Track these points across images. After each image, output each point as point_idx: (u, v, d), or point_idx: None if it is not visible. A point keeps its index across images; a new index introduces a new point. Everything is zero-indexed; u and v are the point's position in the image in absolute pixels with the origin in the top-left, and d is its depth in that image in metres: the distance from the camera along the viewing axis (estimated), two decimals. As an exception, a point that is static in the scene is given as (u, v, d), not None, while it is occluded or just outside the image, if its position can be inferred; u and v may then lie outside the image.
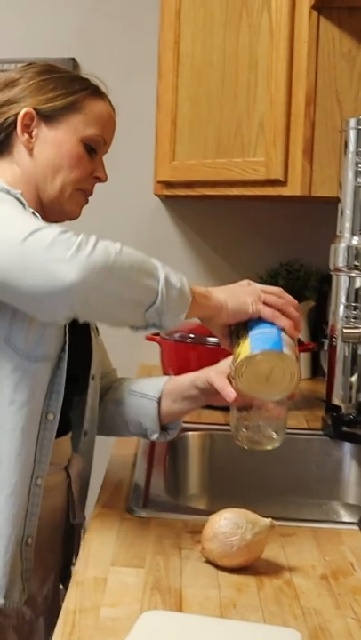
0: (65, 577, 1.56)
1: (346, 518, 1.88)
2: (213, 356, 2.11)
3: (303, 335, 2.56)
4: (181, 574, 1.18)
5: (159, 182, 2.41)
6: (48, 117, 1.44)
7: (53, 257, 1.16)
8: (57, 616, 1.52)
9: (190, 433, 1.93)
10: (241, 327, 1.33)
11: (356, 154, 1.91)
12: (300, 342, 2.32)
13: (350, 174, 1.92)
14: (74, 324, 1.36)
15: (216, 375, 1.45)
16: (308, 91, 2.12)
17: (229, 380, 1.39)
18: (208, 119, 2.30)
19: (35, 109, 1.43)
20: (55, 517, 1.49)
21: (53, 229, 1.19)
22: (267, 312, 1.31)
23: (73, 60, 2.61)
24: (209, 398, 1.52)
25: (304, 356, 2.55)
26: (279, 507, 1.90)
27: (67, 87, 1.45)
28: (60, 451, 1.46)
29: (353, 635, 1.04)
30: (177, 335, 2.25)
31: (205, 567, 1.21)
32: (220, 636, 0.99)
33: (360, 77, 2.14)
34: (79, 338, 1.47)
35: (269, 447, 1.42)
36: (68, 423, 1.50)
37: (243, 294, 1.32)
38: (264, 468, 1.95)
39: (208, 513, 1.37)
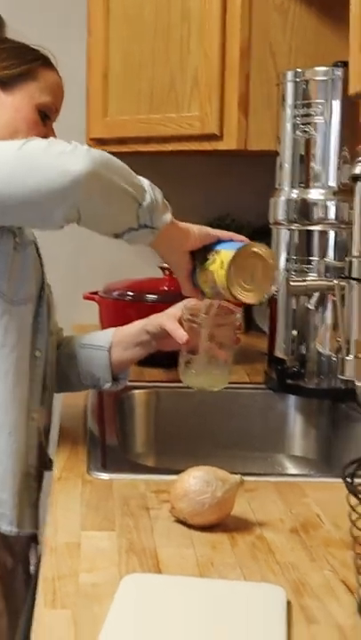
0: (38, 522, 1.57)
1: (292, 470, 1.88)
2: (152, 313, 2.10)
3: (237, 290, 2.54)
4: (153, 535, 1.15)
5: (91, 139, 2.35)
6: (5, 84, 1.47)
7: (56, 152, 1.22)
8: (26, 566, 1.55)
9: (136, 391, 1.90)
10: (204, 252, 1.37)
11: (294, 106, 1.88)
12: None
13: (288, 127, 1.89)
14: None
15: (168, 318, 1.52)
16: (243, 44, 2.08)
17: (181, 324, 1.49)
18: (140, 74, 2.24)
19: None
20: (29, 461, 1.48)
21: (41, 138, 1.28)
22: (227, 233, 1.39)
23: (-3, 14, 2.51)
24: (160, 343, 1.57)
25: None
26: (225, 461, 1.87)
27: (20, 57, 1.49)
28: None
29: (333, 587, 1.03)
30: (115, 293, 2.21)
31: (176, 526, 1.18)
32: (207, 597, 0.97)
33: (293, 30, 2.11)
34: None
35: (215, 389, 1.51)
36: None
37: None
38: (209, 423, 1.94)
39: (169, 472, 1.36)
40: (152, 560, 1.08)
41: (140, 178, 1.30)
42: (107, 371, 1.59)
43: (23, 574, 1.53)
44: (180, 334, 1.47)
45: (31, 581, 1.47)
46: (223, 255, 1.33)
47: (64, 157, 1.22)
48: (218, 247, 1.36)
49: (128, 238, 1.30)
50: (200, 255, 1.38)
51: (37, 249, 1.51)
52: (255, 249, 1.33)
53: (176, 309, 1.52)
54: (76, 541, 1.13)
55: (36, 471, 1.51)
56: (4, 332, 1.38)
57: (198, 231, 1.37)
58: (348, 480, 0.97)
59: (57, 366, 1.62)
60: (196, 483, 1.18)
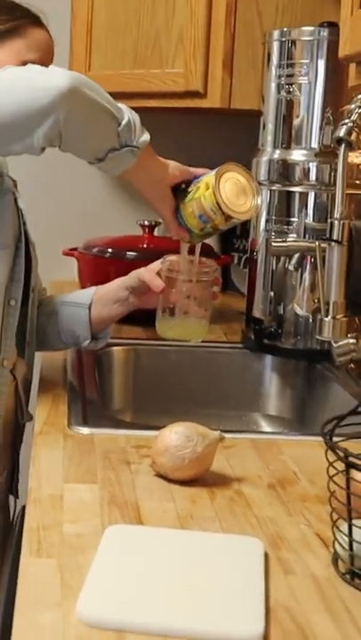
0: (14, 475, 1.61)
1: (267, 429, 1.92)
2: (131, 270, 2.12)
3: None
4: (135, 488, 1.19)
5: (73, 93, 2.35)
6: None
7: (36, 72, 1.27)
8: (8, 511, 1.58)
9: (115, 348, 1.93)
10: (184, 189, 1.43)
11: (279, 66, 1.90)
12: (215, 255, 2.34)
13: (273, 87, 1.91)
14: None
15: (145, 270, 1.57)
16: (229, 2, 2.10)
17: (159, 275, 1.53)
18: (125, 29, 2.25)
19: None
20: (5, 417, 1.52)
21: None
22: (201, 169, 1.45)
23: None
24: (139, 300, 1.61)
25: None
26: (202, 419, 1.90)
27: (9, 13, 1.50)
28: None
29: (309, 541, 1.07)
30: (95, 250, 2.23)
31: (157, 480, 1.22)
32: (188, 547, 1.01)
33: (280, -12, 2.12)
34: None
35: (192, 341, 1.57)
36: None
37: None
38: (186, 381, 1.98)
39: (149, 428, 1.40)
40: (134, 512, 1.12)
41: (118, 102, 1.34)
42: (86, 328, 1.62)
43: (2, 522, 1.57)
44: (158, 283, 1.52)
45: (12, 531, 1.51)
46: (205, 180, 1.40)
47: (44, 76, 1.26)
48: (197, 180, 1.42)
49: (110, 162, 1.33)
50: (181, 193, 1.43)
51: (16, 200, 1.53)
52: (231, 166, 1.40)
53: (155, 264, 1.56)
54: (59, 493, 1.16)
55: (8, 418, 1.53)
56: None
57: (176, 166, 1.42)
58: (328, 437, 1.00)
59: (38, 324, 1.65)
60: (178, 438, 1.21)
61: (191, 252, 1.50)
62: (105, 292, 1.63)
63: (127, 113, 1.32)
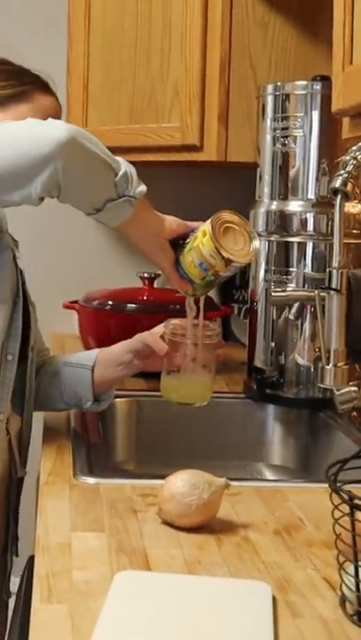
0: (9, 530, 1.64)
1: (271, 478, 1.95)
2: (133, 323, 2.17)
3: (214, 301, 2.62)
4: (142, 536, 1.22)
5: (71, 149, 2.42)
6: None
7: (34, 123, 1.34)
8: (4, 569, 1.63)
9: (117, 400, 1.96)
10: (182, 242, 1.48)
11: (274, 119, 1.96)
12: (215, 307, 2.39)
13: (268, 139, 1.98)
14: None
15: (149, 334, 1.62)
16: (223, 56, 2.16)
17: (162, 339, 1.57)
18: (121, 85, 2.32)
19: None
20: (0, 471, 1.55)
21: None
22: (198, 223, 1.48)
23: (-24, 23, 2.58)
24: (143, 363, 1.64)
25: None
26: (205, 470, 1.94)
27: (17, 78, 1.58)
28: None
29: (316, 584, 1.10)
30: (95, 302, 2.28)
31: (164, 528, 1.25)
32: (197, 592, 1.04)
33: (273, 43, 2.20)
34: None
35: (198, 404, 1.59)
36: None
37: None
38: (189, 432, 2.01)
39: (154, 477, 1.43)
40: (142, 559, 1.15)
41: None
42: (89, 389, 1.65)
43: None
44: (161, 346, 1.56)
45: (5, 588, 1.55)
46: (202, 228, 1.45)
47: (43, 127, 1.32)
48: (194, 232, 1.47)
49: (107, 212, 1.37)
50: (179, 246, 1.48)
51: (15, 257, 1.57)
52: (225, 213, 1.45)
53: (159, 328, 1.61)
54: (67, 541, 1.19)
55: (2, 472, 1.56)
56: None
57: (173, 220, 1.48)
58: (332, 480, 1.04)
59: (40, 385, 1.69)
60: (184, 485, 1.25)
61: (196, 315, 1.55)
62: (109, 354, 1.67)
63: (124, 165, 1.38)
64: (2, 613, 1.66)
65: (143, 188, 1.40)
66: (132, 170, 1.39)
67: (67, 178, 1.31)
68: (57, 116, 1.58)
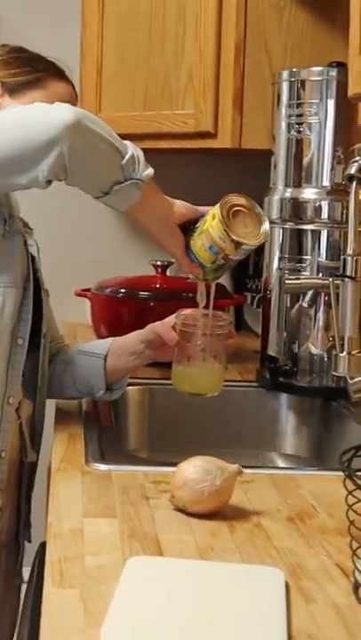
0: (21, 514, 1.66)
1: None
2: (145, 311, 2.18)
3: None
4: (154, 522, 1.23)
5: (84, 135, 2.42)
6: (12, 90, 1.58)
7: (41, 107, 1.35)
8: (15, 552, 1.64)
9: (129, 388, 1.97)
10: (192, 227, 1.49)
11: (289, 106, 1.96)
12: (228, 295, 2.39)
13: (283, 126, 1.98)
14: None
15: (160, 324, 1.62)
16: (238, 41, 2.16)
17: (173, 329, 1.55)
18: (135, 70, 2.32)
19: (1, 82, 1.58)
20: (11, 455, 1.56)
21: None
22: (207, 207, 1.49)
23: (-11, 8, 2.58)
24: (155, 353, 1.65)
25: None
26: (218, 458, 1.97)
27: (32, 65, 1.61)
28: None
29: (329, 570, 1.11)
30: (108, 290, 2.28)
31: (176, 514, 1.26)
32: (209, 578, 1.05)
33: (288, 28, 2.20)
34: (33, 299, 1.57)
35: (209, 395, 1.59)
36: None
37: None
38: (202, 421, 2.01)
39: (166, 464, 1.44)
40: (154, 545, 1.16)
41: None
42: (101, 378, 1.67)
43: (2, 563, 1.62)
44: (172, 336, 1.57)
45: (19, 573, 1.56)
46: (211, 211, 1.46)
47: (49, 110, 1.35)
48: (203, 216, 1.48)
49: (115, 195, 1.38)
50: (189, 230, 1.49)
51: (25, 242, 1.58)
52: (235, 196, 1.45)
53: (170, 318, 1.62)
54: (79, 527, 1.20)
55: (13, 456, 1.58)
56: None
57: (182, 204, 1.49)
58: (345, 465, 1.05)
59: (54, 373, 1.70)
60: (196, 471, 1.26)
61: (207, 305, 1.55)
62: (121, 343, 1.69)
63: (131, 148, 1.39)
64: (14, 599, 1.68)
65: (150, 170, 1.41)
66: (139, 153, 1.40)
67: (73, 160, 1.33)
68: (72, 103, 1.57)
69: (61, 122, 1.30)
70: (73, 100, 1.63)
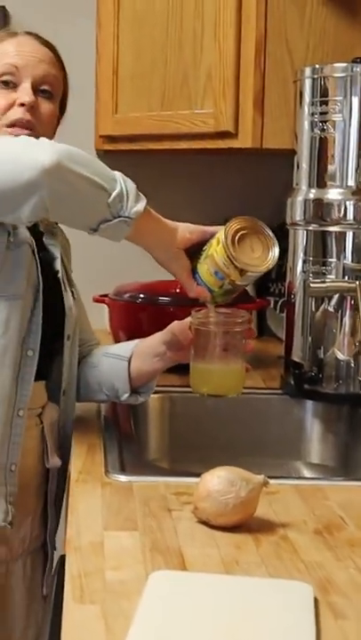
0: (44, 522, 1.67)
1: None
2: (164, 316, 2.15)
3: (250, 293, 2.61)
4: (177, 535, 1.22)
5: (101, 136, 2.42)
6: None
7: (22, 146, 1.34)
8: (42, 562, 1.65)
9: (150, 396, 1.96)
10: (198, 250, 1.47)
11: (312, 104, 1.95)
12: (250, 299, 2.38)
13: (306, 125, 1.96)
14: (45, 273, 1.55)
15: (177, 323, 1.61)
16: (258, 39, 2.16)
17: (190, 329, 1.55)
18: (152, 70, 2.32)
19: None
20: (28, 460, 1.57)
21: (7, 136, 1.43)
22: (216, 227, 1.47)
23: (2, 8, 2.57)
24: (176, 354, 1.63)
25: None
26: (240, 468, 1.96)
27: None
28: (33, 395, 1.55)
29: (359, 585, 1.09)
30: (126, 296, 2.28)
31: (199, 527, 1.25)
32: (235, 593, 1.04)
33: (310, 25, 2.18)
34: (53, 299, 1.58)
35: (229, 395, 1.56)
36: (40, 371, 1.56)
37: None
38: (224, 429, 2.00)
39: (188, 474, 1.43)
40: (177, 559, 1.14)
41: (112, 171, 1.39)
42: (125, 381, 1.66)
43: (27, 573, 1.63)
44: (186, 336, 1.56)
45: (49, 581, 1.56)
46: (217, 236, 1.43)
47: (29, 149, 1.32)
48: (211, 239, 1.46)
49: (104, 232, 1.38)
50: (195, 254, 1.47)
51: (34, 251, 1.56)
52: (240, 219, 1.43)
53: (188, 318, 1.59)
54: (99, 540, 1.19)
55: (32, 462, 1.59)
56: None
57: (187, 227, 1.46)
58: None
59: (81, 376, 1.70)
60: (220, 482, 1.24)
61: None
62: (145, 345, 1.68)
63: (120, 182, 1.36)
64: (41, 611, 1.67)
65: (141, 205, 1.38)
66: (129, 187, 1.37)
67: (54, 203, 1.33)
68: (20, 49, 1.57)
69: (40, 165, 1.29)
70: (23, 45, 1.58)
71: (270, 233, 1.45)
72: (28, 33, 1.61)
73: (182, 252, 1.47)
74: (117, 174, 1.38)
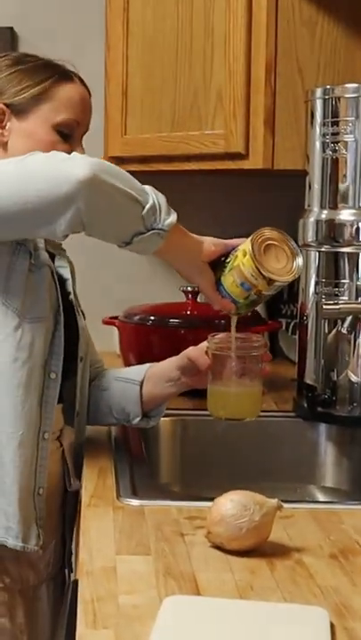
0: (65, 545, 1.69)
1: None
2: (176, 339, 2.17)
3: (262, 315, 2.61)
4: (190, 560, 1.22)
5: (110, 157, 2.43)
6: (19, 111, 1.56)
7: (55, 161, 1.37)
8: (61, 585, 1.66)
9: (161, 419, 1.96)
10: (222, 262, 1.51)
11: (324, 125, 1.96)
12: (262, 321, 2.39)
13: (318, 146, 1.97)
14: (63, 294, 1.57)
15: (193, 349, 1.62)
16: (268, 59, 2.17)
17: (207, 354, 1.58)
18: (162, 91, 2.34)
19: (5, 104, 1.56)
20: (51, 484, 1.58)
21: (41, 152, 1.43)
22: (238, 240, 1.52)
23: (10, 29, 2.60)
24: (191, 380, 1.65)
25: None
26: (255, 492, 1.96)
27: (33, 77, 1.57)
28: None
29: (376, 610, 1.09)
30: (136, 318, 2.28)
31: (213, 552, 1.25)
32: (250, 618, 1.04)
33: (321, 45, 2.20)
34: (67, 321, 1.59)
35: (247, 419, 1.59)
36: (59, 394, 1.58)
37: None
38: (236, 453, 2.01)
39: (201, 499, 1.43)
40: (190, 584, 1.15)
41: (142, 185, 1.42)
42: (137, 405, 1.68)
43: (50, 597, 1.63)
44: (203, 361, 1.58)
45: (64, 605, 1.56)
46: (242, 247, 1.47)
47: (63, 165, 1.36)
48: (234, 250, 1.49)
49: (137, 245, 1.41)
50: (219, 265, 1.51)
51: (53, 273, 1.59)
52: (266, 230, 1.47)
53: (204, 343, 1.62)
54: (111, 565, 1.20)
55: (54, 484, 1.60)
56: (17, 346, 1.49)
57: (212, 241, 1.50)
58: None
59: (90, 398, 1.72)
60: (234, 506, 1.25)
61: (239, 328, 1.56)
62: (158, 370, 1.69)
63: (152, 196, 1.40)
64: (62, 636, 1.67)
65: (173, 217, 1.42)
66: (160, 199, 1.41)
67: (90, 216, 1.36)
68: (82, 102, 1.60)
69: (75, 178, 1.33)
70: (83, 97, 1.61)
71: (294, 244, 1.50)
72: (81, 80, 1.64)
73: (206, 265, 1.50)
74: (148, 187, 1.42)
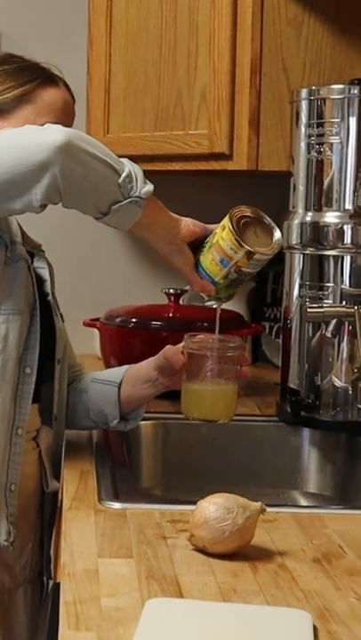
0: (43, 548, 1.70)
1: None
2: (157, 341, 2.18)
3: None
4: (173, 562, 1.24)
5: (92, 157, 2.46)
6: (1, 110, 1.58)
7: (30, 131, 1.39)
8: (39, 590, 1.67)
9: (142, 422, 1.98)
10: (201, 243, 1.53)
11: (309, 126, 1.99)
12: (246, 324, 2.41)
13: (303, 147, 2.00)
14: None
15: (169, 347, 1.65)
16: (254, 59, 2.19)
17: (182, 353, 1.60)
18: (145, 89, 2.36)
19: None
20: (28, 485, 1.61)
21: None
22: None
23: (-7, 26, 2.62)
24: (168, 380, 1.66)
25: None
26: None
27: (17, 79, 1.59)
28: (28, 418, 1.59)
29: (359, 614, 1.12)
30: (118, 320, 2.30)
31: (195, 555, 1.27)
32: (233, 621, 1.06)
33: (307, 45, 2.23)
34: (43, 322, 1.61)
35: (220, 421, 1.61)
36: (35, 394, 1.60)
37: None
38: (218, 457, 2.03)
39: (184, 502, 1.46)
40: (173, 586, 1.17)
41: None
42: (115, 407, 1.70)
43: (28, 602, 1.66)
44: (177, 359, 1.59)
45: (43, 610, 1.58)
46: (221, 224, 1.50)
47: (38, 133, 1.37)
48: (212, 233, 1.52)
49: (114, 216, 1.42)
50: (198, 247, 1.53)
51: (30, 269, 1.61)
52: (243, 207, 1.51)
53: (181, 343, 1.63)
54: (93, 568, 1.22)
55: (31, 486, 1.63)
56: None
57: (191, 221, 1.52)
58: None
59: (68, 401, 1.74)
60: (217, 510, 1.27)
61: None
62: (136, 371, 1.71)
63: (128, 165, 1.43)
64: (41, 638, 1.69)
65: (150, 187, 1.44)
66: (136, 170, 1.43)
67: (66, 183, 1.36)
68: (66, 108, 1.63)
69: (50, 144, 1.34)
70: (67, 103, 1.64)
71: (271, 221, 1.52)
72: (66, 85, 1.67)
73: (185, 245, 1.51)
74: (124, 159, 1.44)
